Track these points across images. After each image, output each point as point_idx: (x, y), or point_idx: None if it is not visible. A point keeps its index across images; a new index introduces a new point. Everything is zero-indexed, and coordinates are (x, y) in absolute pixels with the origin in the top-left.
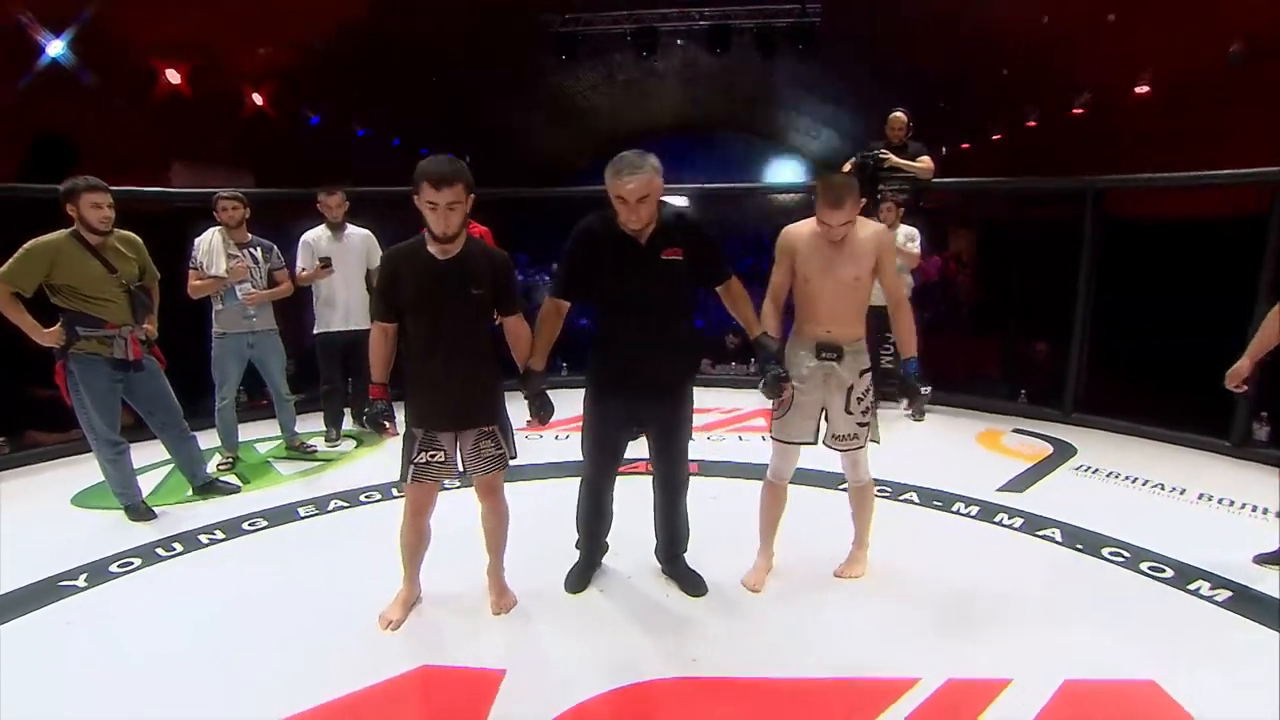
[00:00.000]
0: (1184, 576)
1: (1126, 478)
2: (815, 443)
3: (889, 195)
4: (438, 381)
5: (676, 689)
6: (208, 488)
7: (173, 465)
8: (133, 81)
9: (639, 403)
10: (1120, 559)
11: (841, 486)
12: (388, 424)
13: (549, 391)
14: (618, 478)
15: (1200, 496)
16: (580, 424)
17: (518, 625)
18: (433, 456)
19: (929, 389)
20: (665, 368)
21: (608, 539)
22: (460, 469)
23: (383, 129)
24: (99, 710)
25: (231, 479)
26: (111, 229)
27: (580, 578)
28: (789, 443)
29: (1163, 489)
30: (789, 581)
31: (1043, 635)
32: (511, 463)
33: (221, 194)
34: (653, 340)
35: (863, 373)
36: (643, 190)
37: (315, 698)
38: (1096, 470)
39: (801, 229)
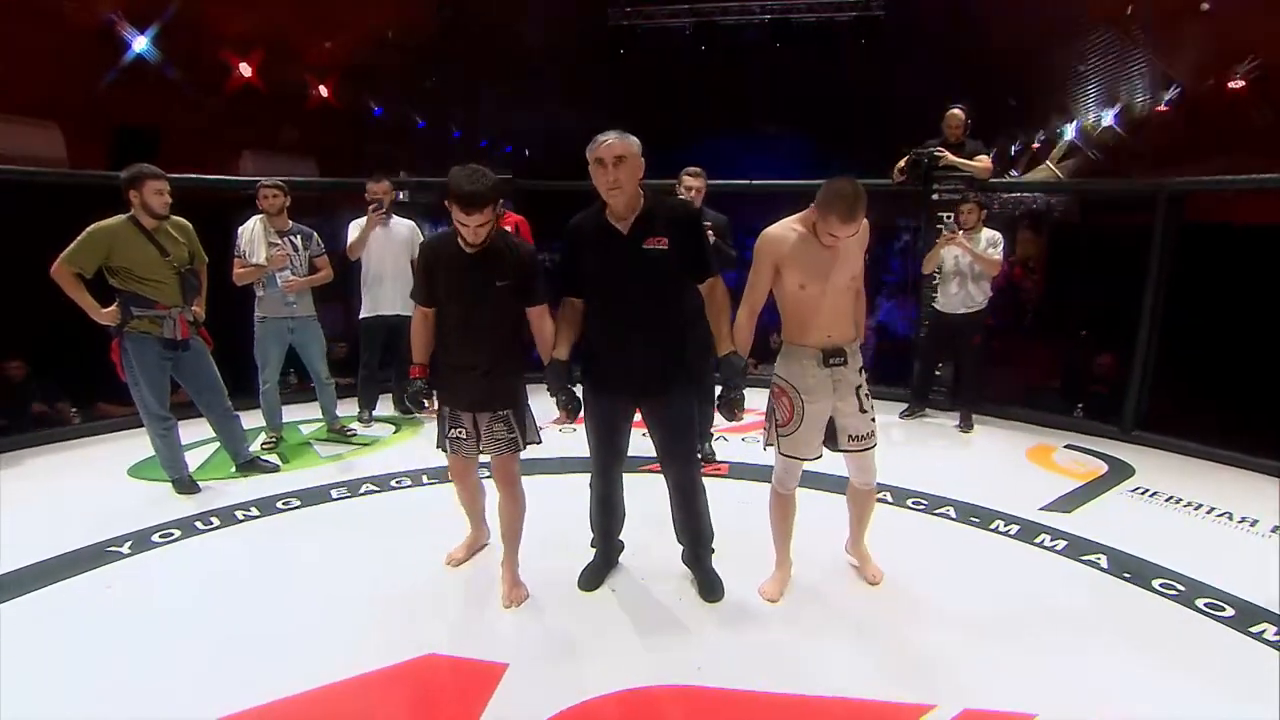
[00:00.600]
0: (1247, 617)
1: (1188, 503)
2: (822, 455)
3: (970, 197)
4: (460, 365)
5: (675, 697)
6: (249, 465)
7: (219, 443)
8: (208, 75)
9: (632, 399)
10: (1173, 592)
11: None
12: (427, 402)
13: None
14: (641, 478)
15: (1275, 530)
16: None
17: (527, 619)
18: (457, 433)
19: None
20: (653, 363)
21: (623, 538)
22: (479, 448)
23: (443, 121)
24: (124, 669)
25: (272, 458)
26: (168, 214)
27: (594, 576)
28: (799, 459)
29: (1230, 519)
30: (807, 593)
31: (1075, 669)
32: (533, 450)
33: (263, 182)
34: (638, 334)
35: (861, 369)
36: (619, 149)
37: (321, 677)
38: (1155, 493)
39: (786, 233)
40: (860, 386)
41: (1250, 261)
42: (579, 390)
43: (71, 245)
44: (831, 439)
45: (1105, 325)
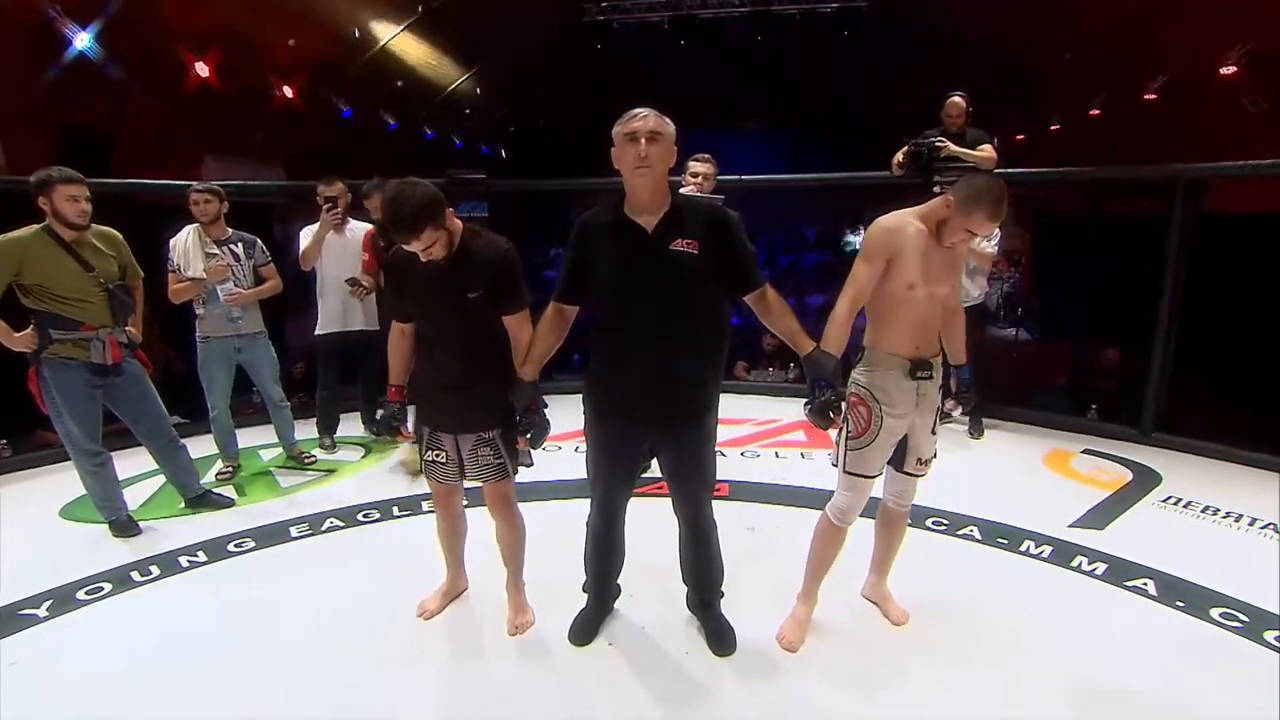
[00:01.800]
0: None
1: (1228, 514)
2: (882, 474)
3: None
4: (437, 383)
5: None
6: (200, 500)
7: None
8: (163, 74)
9: (645, 425)
10: (1235, 624)
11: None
12: (401, 429)
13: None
14: (641, 499)
15: None
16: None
17: (511, 681)
18: (435, 456)
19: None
20: (672, 387)
21: (621, 580)
22: (462, 473)
23: (415, 122)
24: None
25: (226, 491)
26: (89, 224)
27: (587, 626)
28: (869, 477)
29: (1276, 531)
30: (829, 637)
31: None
32: (523, 472)
33: (195, 187)
34: (657, 351)
35: (940, 388)
36: (655, 124)
37: None
38: (1189, 504)
39: (905, 226)
40: (939, 407)
41: (1269, 250)
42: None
43: None
44: (898, 459)
45: (1115, 320)
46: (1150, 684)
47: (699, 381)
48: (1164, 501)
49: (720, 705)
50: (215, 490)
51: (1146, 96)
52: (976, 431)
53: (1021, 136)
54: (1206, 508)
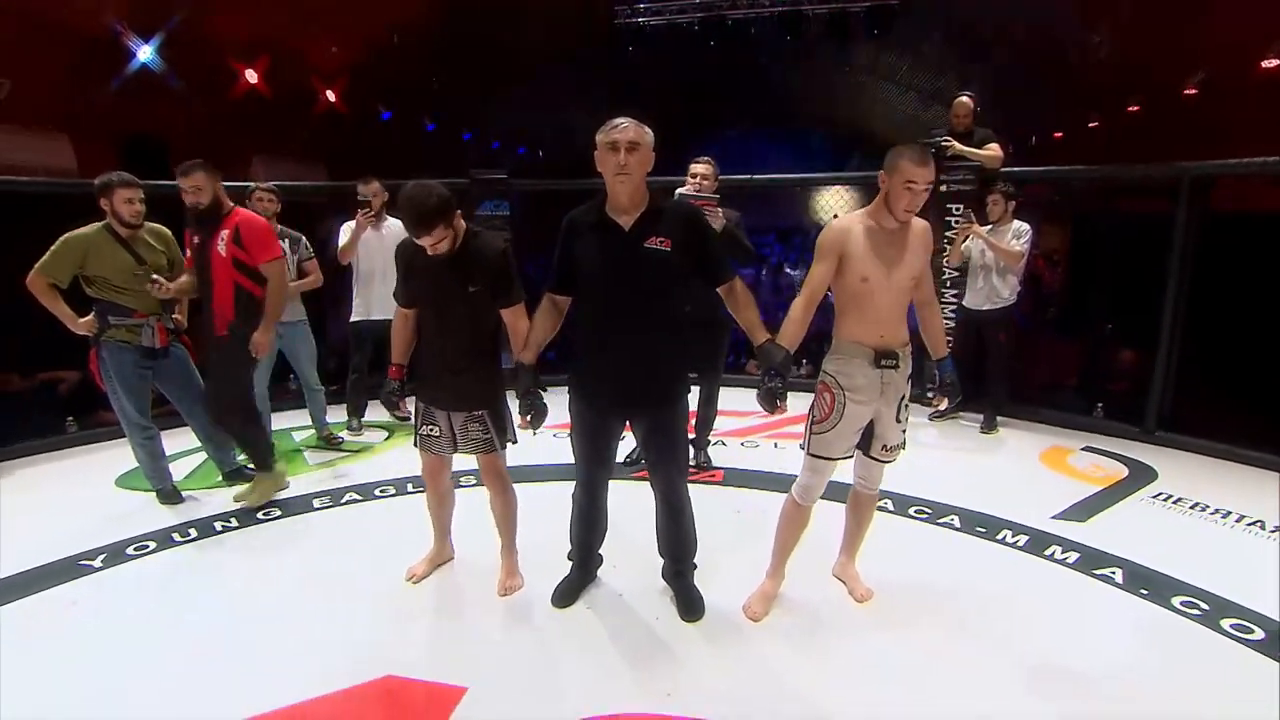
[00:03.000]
0: (1277, 640)
1: (1215, 511)
2: (851, 456)
3: (998, 188)
4: (435, 365)
5: None
6: (235, 474)
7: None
8: (214, 82)
9: (622, 405)
10: (1195, 612)
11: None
12: (400, 403)
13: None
14: (627, 484)
15: None
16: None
17: (494, 638)
18: (430, 430)
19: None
20: (649, 372)
21: (602, 551)
22: (454, 447)
23: (453, 123)
24: (75, 692)
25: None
26: (142, 223)
27: (568, 592)
28: (830, 459)
29: (1262, 528)
30: (793, 610)
31: (1086, 700)
32: (512, 449)
33: (258, 186)
34: (634, 338)
35: (909, 378)
36: (634, 134)
37: (276, 700)
38: (1179, 500)
39: (852, 225)
40: (904, 395)
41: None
42: (557, 394)
43: (45, 255)
44: (864, 444)
45: (1128, 320)
46: (1099, 664)
47: (672, 367)
48: (1155, 498)
49: (682, 663)
50: (248, 466)
51: (1187, 92)
52: (989, 427)
53: (1059, 134)
54: (1197, 504)
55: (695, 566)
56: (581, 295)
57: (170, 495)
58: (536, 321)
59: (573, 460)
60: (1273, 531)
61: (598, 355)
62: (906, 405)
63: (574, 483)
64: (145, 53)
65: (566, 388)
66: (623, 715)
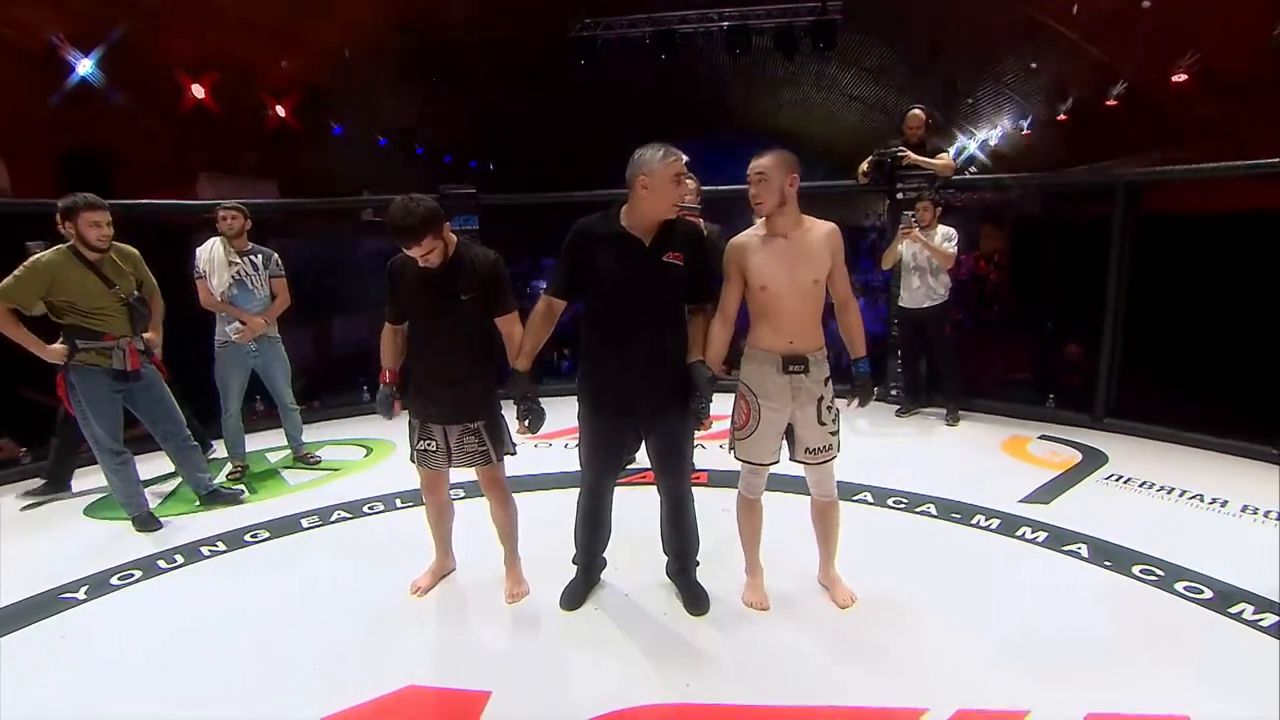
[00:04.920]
0: (1225, 599)
1: (1161, 488)
2: (779, 461)
3: (925, 195)
4: (429, 378)
5: (665, 716)
6: (212, 497)
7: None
8: (159, 96)
9: (636, 412)
10: (1153, 578)
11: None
12: (395, 403)
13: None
14: (624, 488)
15: (1244, 509)
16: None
17: (508, 643)
18: (426, 445)
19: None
20: (660, 379)
21: (606, 554)
22: (449, 460)
23: (406, 138)
24: None
25: (237, 488)
26: (109, 246)
27: (576, 594)
28: (755, 464)
29: (1201, 500)
30: (793, 600)
31: (1065, 662)
32: (509, 460)
33: (223, 204)
34: (647, 349)
35: (826, 380)
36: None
37: (299, 717)
38: (1128, 480)
39: (746, 239)
40: (823, 398)
41: (1206, 250)
42: (557, 403)
43: (7, 280)
44: (791, 449)
45: (1073, 316)
46: (1073, 628)
47: (680, 371)
48: (1108, 479)
49: (697, 654)
50: (226, 488)
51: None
52: (953, 420)
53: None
54: (1144, 483)
55: (698, 563)
56: (594, 304)
57: (146, 521)
58: (531, 327)
59: (576, 467)
60: (1210, 503)
61: (612, 362)
62: (829, 407)
63: (575, 490)
64: (85, 66)
65: (575, 396)
66: (649, 706)
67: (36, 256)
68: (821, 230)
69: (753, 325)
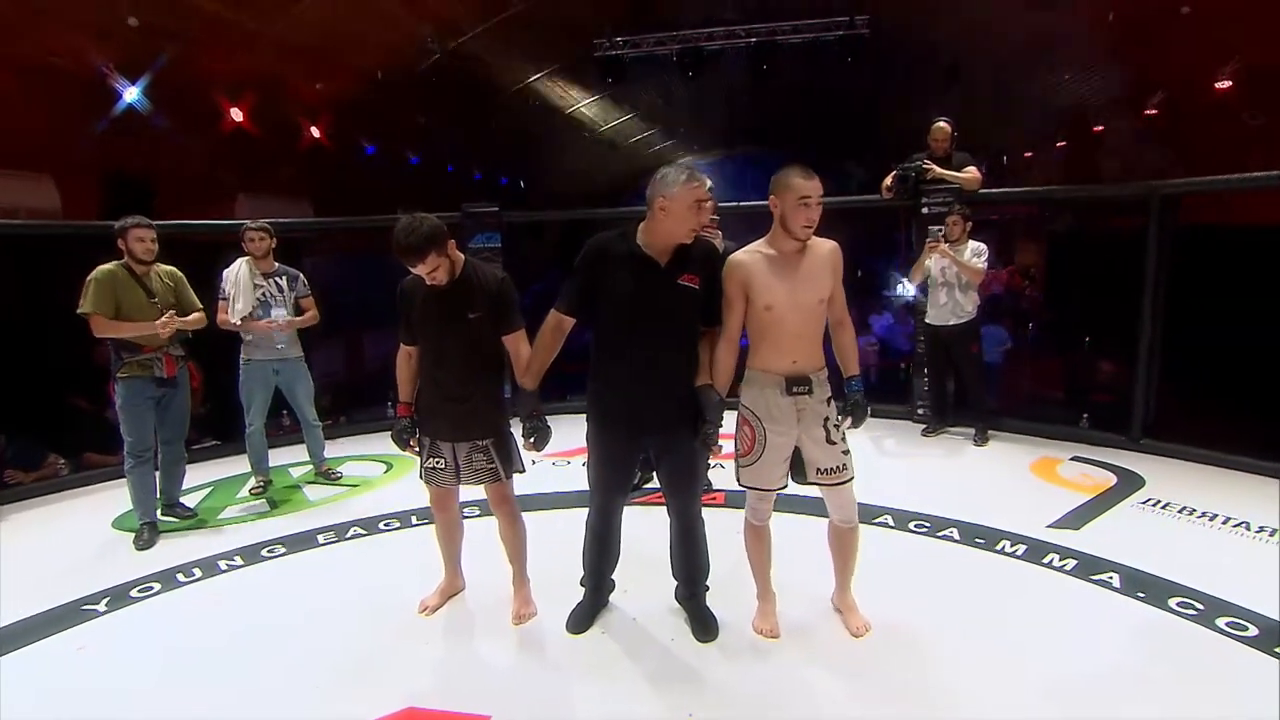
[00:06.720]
0: (1271, 636)
1: (1203, 514)
2: (787, 486)
3: (956, 209)
4: (438, 396)
5: None
6: (171, 508)
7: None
8: (200, 120)
9: (645, 432)
10: (1191, 612)
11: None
12: (411, 440)
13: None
14: (635, 509)
15: None
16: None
17: (512, 666)
18: (435, 463)
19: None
20: (671, 400)
21: (614, 577)
22: (458, 478)
23: (437, 157)
24: None
25: (260, 504)
26: (154, 259)
27: (583, 617)
28: (762, 490)
29: (1247, 528)
30: (805, 627)
31: (1093, 702)
32: (518, 478)
33: (248, 226)
34: (660, 370)
35: (829, 400)
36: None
37: None
38: (1167, 505)
39: (749, 258)
40: (829, 418)
41: (1250, 262)
42: (564, 421)
43: (87, 298)
44: (800, 472)
45: (1109, 332)
46: (1104, 666)
47: (691, 393)
48: (1144, 503)
49: (703, 682)
50: (181, 503)
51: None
52: (981, 439)
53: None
54: (1184, 508)
55: (708, 588)
56: (606, 323)
57: (146, 531)
58: (540, 345)
59: (585, 487)
60: (1258, 532)
61: (624, 381)
62: (836, 426)
63: (585, 509)
64: (132, 93)
65: (584, 415)
66: None
67: (95, 271)
68: (824, 248)
69: (753, 346)
